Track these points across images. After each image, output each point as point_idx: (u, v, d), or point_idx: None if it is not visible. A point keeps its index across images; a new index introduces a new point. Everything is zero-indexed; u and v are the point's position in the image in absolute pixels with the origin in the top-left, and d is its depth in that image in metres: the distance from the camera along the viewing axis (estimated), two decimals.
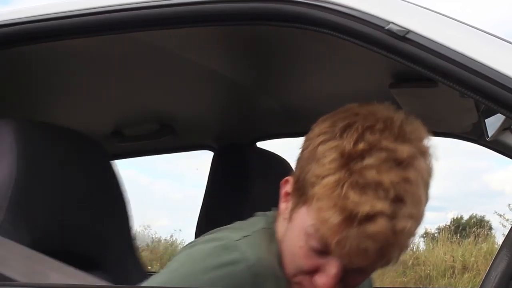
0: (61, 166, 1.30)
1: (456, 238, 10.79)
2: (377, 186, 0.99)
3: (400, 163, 1.01)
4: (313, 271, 1.07)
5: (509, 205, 10.33)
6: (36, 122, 1.34)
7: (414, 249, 10.42)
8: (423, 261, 9.78)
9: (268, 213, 1.19)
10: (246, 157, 1.95)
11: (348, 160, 1.01)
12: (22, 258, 1.13)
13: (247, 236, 1.09)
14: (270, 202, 1.21)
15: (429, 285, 9.24)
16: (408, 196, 1.01)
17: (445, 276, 9.40)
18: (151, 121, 2.01)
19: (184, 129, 2.04)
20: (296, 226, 1.08)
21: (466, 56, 1.00)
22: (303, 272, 1.08)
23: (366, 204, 0.98)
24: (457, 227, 12.39)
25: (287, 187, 1.13)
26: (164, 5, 1.19)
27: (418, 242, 11.25)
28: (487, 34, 1.05)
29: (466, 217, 14.38)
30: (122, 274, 1.38)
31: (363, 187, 0.99)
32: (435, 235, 12.55)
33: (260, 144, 2.16)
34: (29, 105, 1.79)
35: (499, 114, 1.25)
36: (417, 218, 1.04)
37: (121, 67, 1.56)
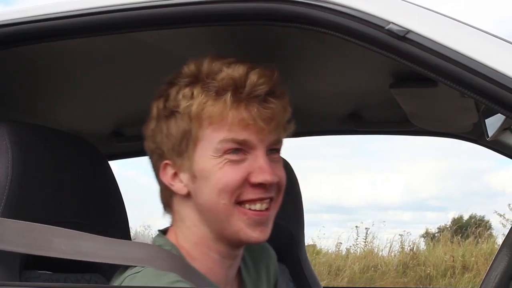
0: (56, 167, 1.30)
1: (457, 238, 10.79)
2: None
3: None
4: (245, 182, 1.14)
5: (509, 205, 10.34)
6: (30, 125, 1.34)
7: (415, 249, 10.42)
8: (423, 261, 9.78)
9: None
10: None
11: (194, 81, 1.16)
12: (22, 231, 1.14)
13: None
14: None
15: (429, 285, 9.23)
16: None
17: (445, 276, 9.40)
18: None
19: None
20: (206, 167, 1.15)
21: (466, 56, 1.00)
22: (239, 189, 1.14)
23: (223, 72, 1.15)
24: (458, 227, 12.39)
25: (169, 170, 1.19)
26: (164, 5, 1.19)
27: (418, 242, 11.27)
28: (487, 34, 1.05)
29: (466, 217, 14.38)
30: None
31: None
32: (436, 235, 12.55)
33: None
34: (29, 105, 1.78)
35: (499, 114, 1.25)
36: None
37: (121, 67, 1.56)
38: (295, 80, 1.67)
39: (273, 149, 1.20)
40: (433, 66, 1.03)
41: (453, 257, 9.65)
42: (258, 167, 1.15)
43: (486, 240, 10.55)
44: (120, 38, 1.32)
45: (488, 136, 1.47)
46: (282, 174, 1.20)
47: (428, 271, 9.50)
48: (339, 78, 1.63)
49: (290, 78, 1.67)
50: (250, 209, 1.16)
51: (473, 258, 9.50)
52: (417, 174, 21.92)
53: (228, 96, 1.14)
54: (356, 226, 10.85)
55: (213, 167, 1.14)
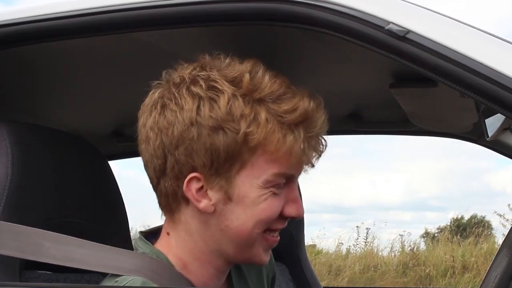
0: (56, 167, 1.30)
1: (457, 238, 10.79)
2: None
3: None
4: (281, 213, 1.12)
5: (509, 205, 10.34)
6: (30, 125, 1.34)
7: (415, 249, 10.42)
8: (423, 261, 9.78)
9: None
10: None
11: (245, 93, 1.08)
12: (13, 234, 1.14)
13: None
14: None
15: (429, 285, 9.23)
16: None
17: (445, 276, 9.40)
18: None
19: None
20: (249, 195, 1.09)
21: (466, 56, 1.00)
22: (273, 220, 1.12)
23: (293, 101, 1.11)
24: (458, 227, 12.39)
25: (195, 184, 1.09)
26: (165, 5, 1.19)
27: (418, 242, 11.27)
28: (487, 34, 1.05)
29: (466, 217, 14.40)
30: None
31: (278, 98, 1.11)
32: (436, 235, 12.56)
33: None
34: (29, 105, 1.79)
35: (499, 114, 1.25)
36: None
37: (121, 67, 1.56)
38: (295, 80, 1.67)
39: None
40: (433, 66, 1.03)
41: (453, 257, 9.66)
42: (291, 199, 1.13)
43: (486, 240, 10.55)
44: (120, 38, 1.32)
45: (488, 136, 1.47)
46: None
47: (428, 271, 9.50)
48: (339, 78, 1.63)
49: (290, 78, 1.67)
50: (271, 236, 1.14)
51: (473, 258, 9.50)
52: (417, 174, 21.95)
53: (301, 134, 1.08)
54: (357, 226, 10.87)
55: (258, 198, 1.09)
